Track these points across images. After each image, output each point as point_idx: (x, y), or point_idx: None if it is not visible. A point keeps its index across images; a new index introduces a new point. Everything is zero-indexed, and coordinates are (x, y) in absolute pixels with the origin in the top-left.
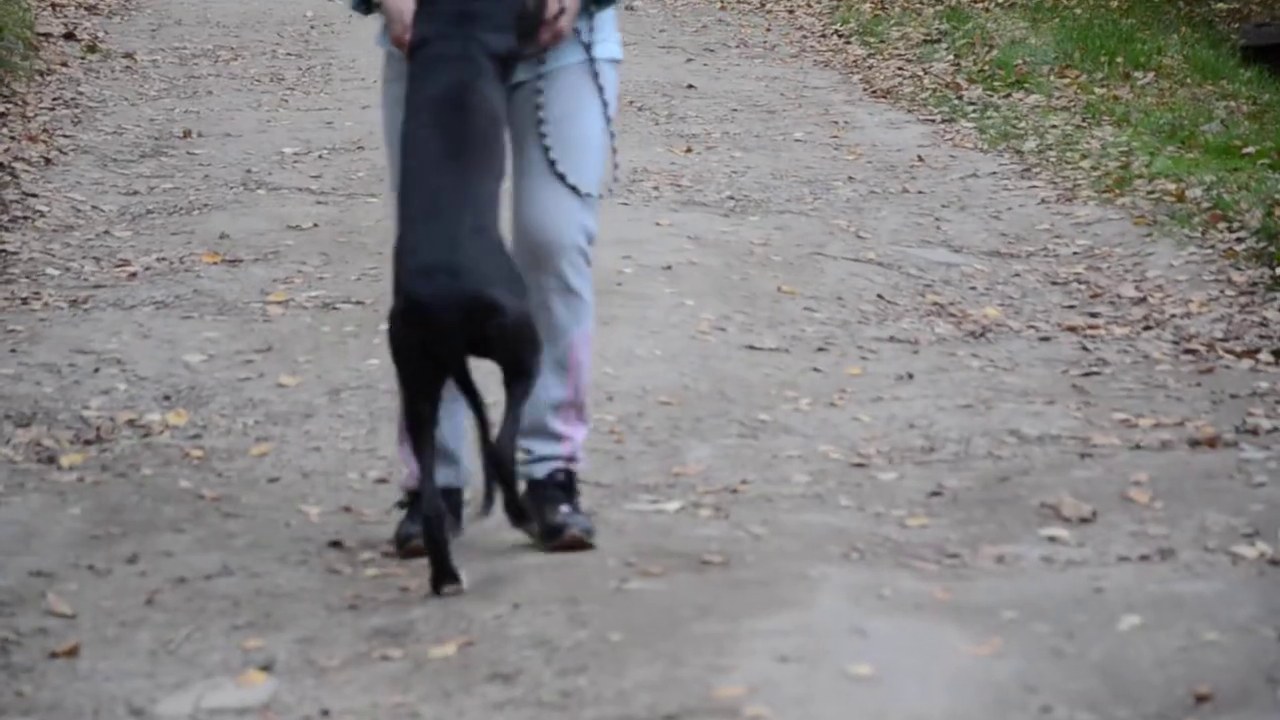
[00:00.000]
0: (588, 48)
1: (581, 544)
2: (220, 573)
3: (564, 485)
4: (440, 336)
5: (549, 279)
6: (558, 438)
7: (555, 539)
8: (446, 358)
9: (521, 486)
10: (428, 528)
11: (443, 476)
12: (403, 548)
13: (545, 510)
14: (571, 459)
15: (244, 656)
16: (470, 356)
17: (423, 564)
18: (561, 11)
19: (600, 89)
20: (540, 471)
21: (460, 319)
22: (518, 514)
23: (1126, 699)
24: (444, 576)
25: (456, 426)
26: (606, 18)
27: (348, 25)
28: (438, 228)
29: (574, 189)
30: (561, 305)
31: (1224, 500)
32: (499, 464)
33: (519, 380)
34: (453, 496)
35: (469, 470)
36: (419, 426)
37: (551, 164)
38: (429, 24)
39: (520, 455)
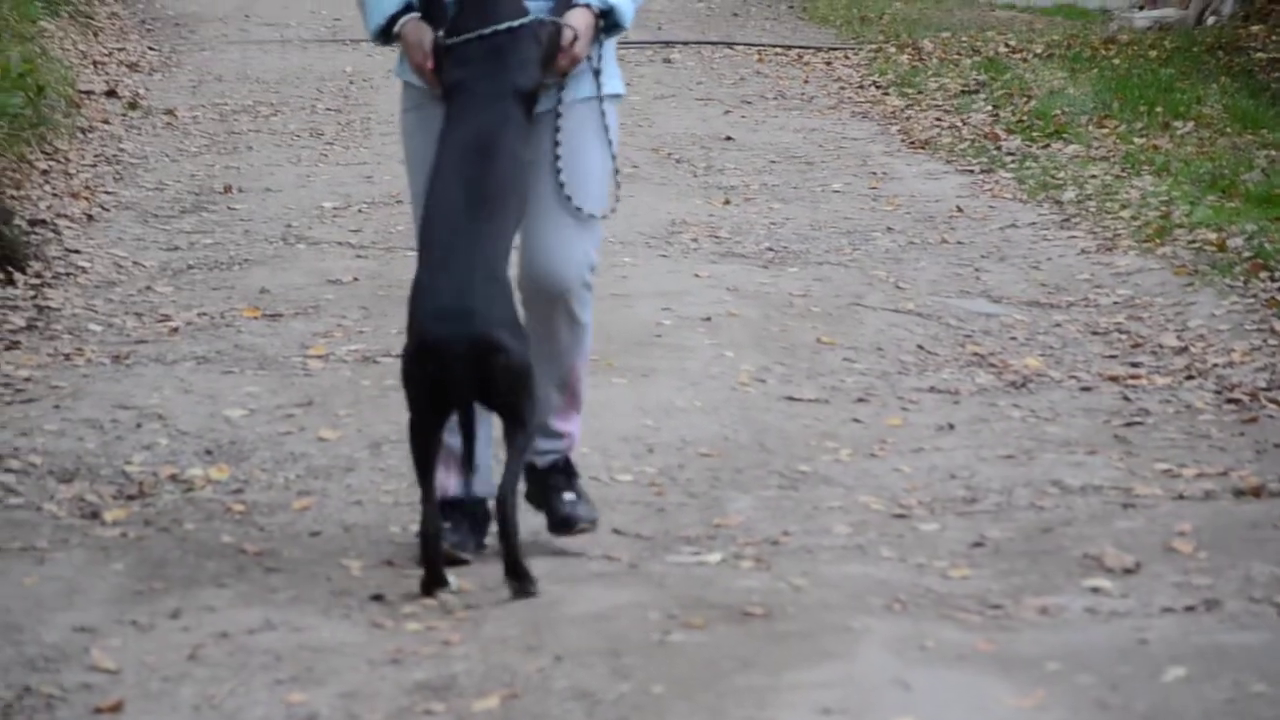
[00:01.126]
0: (597, 75)
1: (586, 530)
2: (263, 627)
3: (564, 470)
4: (450, 374)
5: (557, 311)
6: (558, 435)
7: (568, 530)
8: (455, 394)
9: None
10: (425, 542)
11: (466, 487)
12: (425, 554)
13: (552, 499)
14: (569, 448)
15: (287, 711)
16: (474, 400)
17: (465, 618)
18: (575, 38)
19: (606, 127)
20: (542, 462)
21: (469, 358)
22: (514, 569)
23: None
24: (435, 582)
25: (484, 440)
26: (610, 49)
27: (386, 80)
28: (453, 274)
29: (580, 211)
30: (566, 332)
31: (1269, 550)
32: (501, 519)
33: (518, 431)
34: (479, 506)
35: (494, 484)
36: (423, 454)
37: (560, 187)
38: (462, 67)
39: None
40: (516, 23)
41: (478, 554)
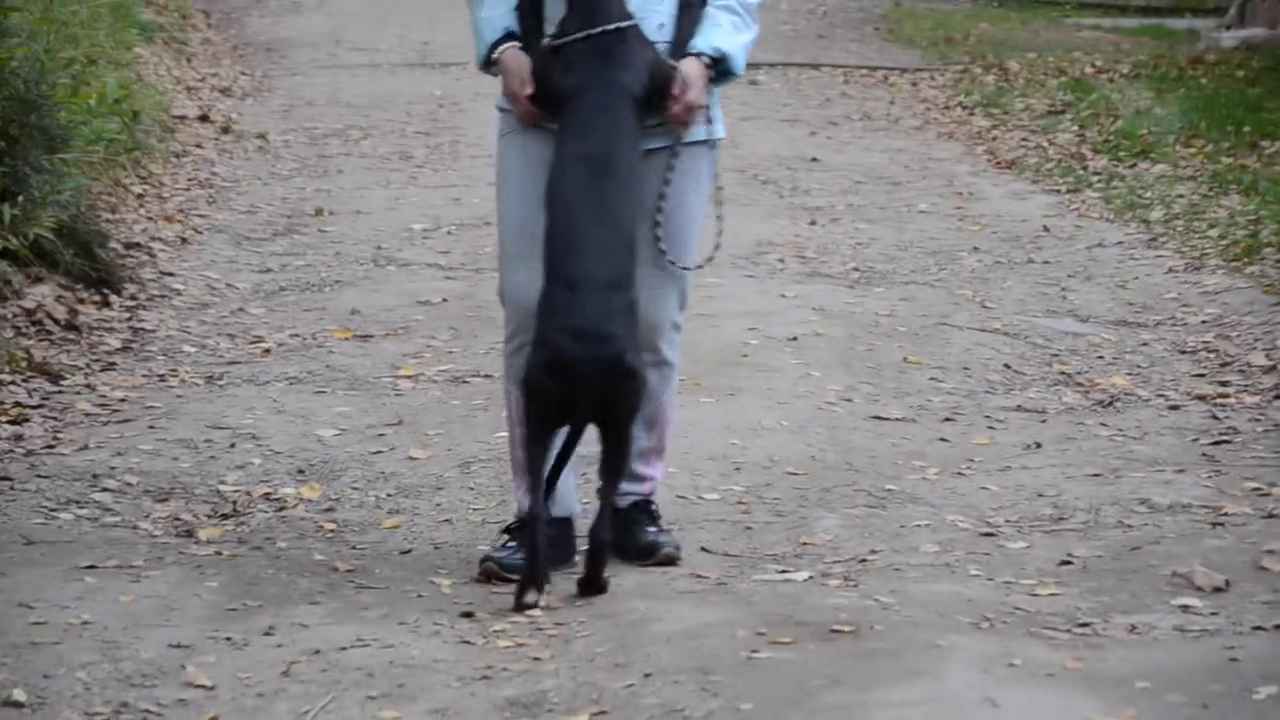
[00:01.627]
0: (709, 123)
1: (672, 560)
2: (354, 644)
3: (646, 510)
4: (580, 393)
5: (646, 353)
6: (641, 479)
7: (650, 557)
8: (579, 412)
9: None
10: (530, 528)
11: (557, 509)
12: (489, 572)
13: (634, 532)
14: (651, 492)
15: None
16: (594, 420)
17: (554, 635)
18: (686, 88)
19: (715, 175)
20: (623, 503)
21: (602, 379)
22: (589, 579)
23: None
24: (533, 580)
25: (573, 464)
26: (717, 93)
27: (474, 103)
28: (591, 294)
29: (673, 264)
30: (655, 374)
31: None
32: (594, 551)
33: (621, 460)
34: (566, 526)
35: (573, 505)
36: (535, 459)
37: (656, 240)
38: (573, 73)
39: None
40: (625, 24)
41: (560, 570)
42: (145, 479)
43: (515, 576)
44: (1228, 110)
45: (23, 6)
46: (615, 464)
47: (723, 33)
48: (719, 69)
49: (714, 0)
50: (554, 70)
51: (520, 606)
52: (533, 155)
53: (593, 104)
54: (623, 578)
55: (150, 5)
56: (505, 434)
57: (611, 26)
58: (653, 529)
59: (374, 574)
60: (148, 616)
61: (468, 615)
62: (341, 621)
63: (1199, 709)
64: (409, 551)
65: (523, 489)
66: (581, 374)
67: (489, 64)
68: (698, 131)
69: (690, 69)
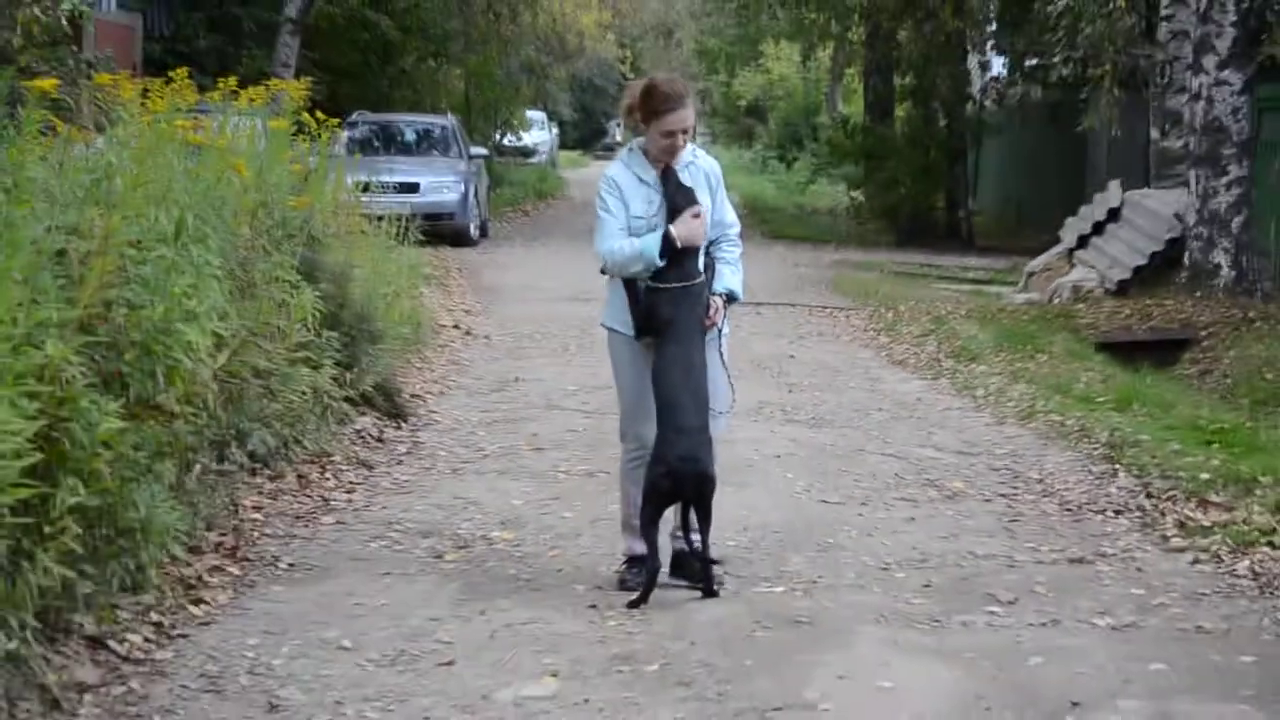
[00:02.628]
0: (721, 330)
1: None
2: (530, 621)
3: (699, 555)
4: (683, 490)
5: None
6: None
7: (710, 593)
8: (679, 499)
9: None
10: (649, 573)
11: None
12: (623, 585)
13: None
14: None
15: (542, 668)
16: (689, 503)
17: (641, 619)
18: (717, 313)
19: (725, 363)
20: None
21: (696, 483)
22: (708, 587)
23: (1033, 704)
24: (646, 595)
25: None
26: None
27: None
28: (688, 435)
29: (714, 411)
30: None
31: (1088, 593)
32: (704, 561)
33: (706, 519)
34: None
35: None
36: (651, 530)
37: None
38: (670, 307)
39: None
40: (697, 280)
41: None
42: (417, 525)
43: (633, 587)
44: (1018, 337)
45: (361, 265)
46: (703, 525)
47: (730, 278)
48: (730, 299)
49: (720, 258)
50: (657, 301)
51: (633, 605)
52: (636, 353)
53: (684, 326)
54: (680, 591)
55: (429, 265)
56: (617, 507)
57: (694, 282)
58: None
59: (541, 583)
60: (416, 602)
61: (593, 607)
62: (522, 608)
63: (996, 669)
64: (561, 570)
65: (631, 539)
66: (685, 479)
67: (665, 250)
68: (716, 334)
69: (717, 302)
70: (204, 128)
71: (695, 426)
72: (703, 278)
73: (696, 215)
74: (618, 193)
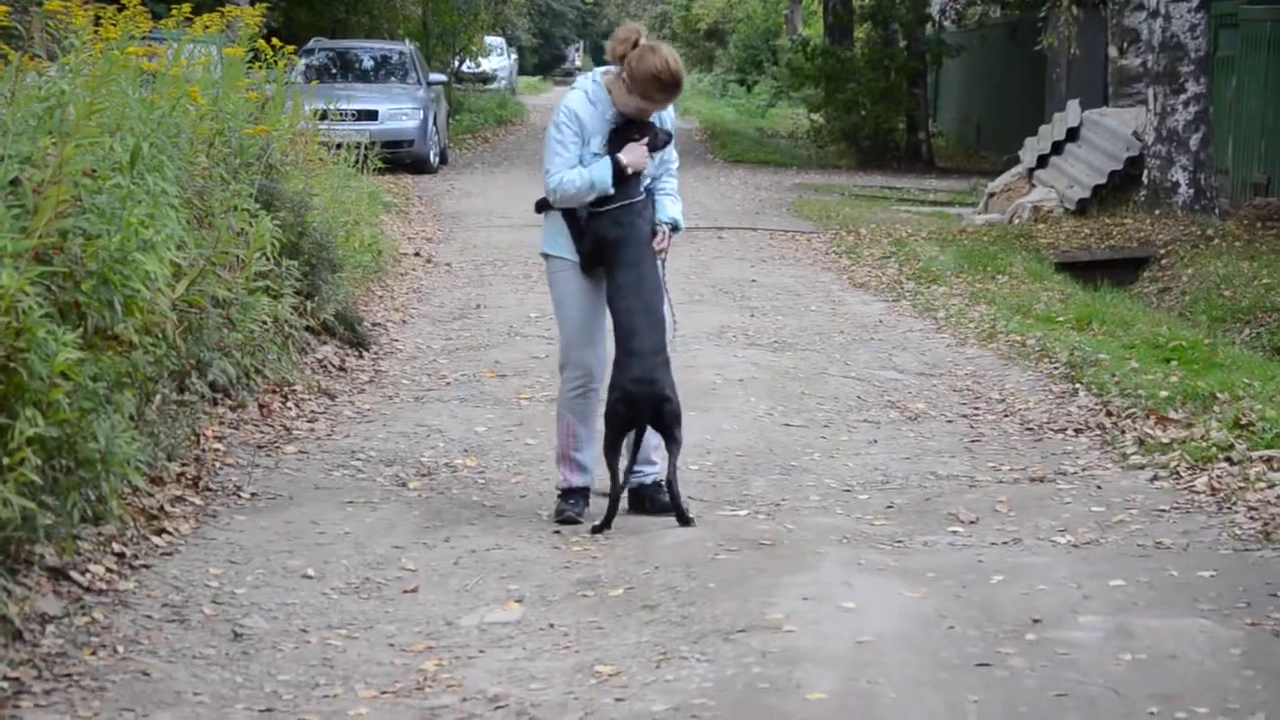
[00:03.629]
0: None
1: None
2: (494, 548)
3: (658, 485)
4: (638, 414)
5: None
6: (653, 463)
7: (663, 512)
8: (638, 424)
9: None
10: (612, 499)
11: (585, 479)
12: (559, 517)
13: (653, 495)
14: (660, 473)
15: (507, 594)
16: (648, 426)
17: (605, 544)
18: (663, 240)
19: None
20: (647, 480)
21: (653, 405)
22: (681, 516)
23: (994, 621)
24: (608, 524)
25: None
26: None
27: None
28: (644, 359)
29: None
30: None
31: (1049, 511)
32: (670, 488)
33: (672, 444)
34: (586, 493)
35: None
36: (614, 456)
37: (674, 322)
38: (618, 226)
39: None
40: (639, 197)
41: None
42: (380, 453)
43: (572, 518)
44: (979, 258)
45: (320, 193)
46: (669, 448)
47: (672, 207)
48: (674, 229)
49: (659, 189)
50: (602, 225)
51: (596, 530)
52: (580, 278)
53: (633, 245)
54: (645, 518)
55: (389, 193)
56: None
57: (635, 199)
58: (661, 495)
59: (505, 509)
60: (380, 530)
61: (556, 533)
62: (486, 534)
63: (960, 588)
64: (525, 496)
65: (567, 471)
66: (641, 402)
67: (618, 175)
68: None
69: (664, 229)
70: (158, 55)
71: (650, 349)
72: (644, 195)
73: (643, 141)
74: (577, 126)
